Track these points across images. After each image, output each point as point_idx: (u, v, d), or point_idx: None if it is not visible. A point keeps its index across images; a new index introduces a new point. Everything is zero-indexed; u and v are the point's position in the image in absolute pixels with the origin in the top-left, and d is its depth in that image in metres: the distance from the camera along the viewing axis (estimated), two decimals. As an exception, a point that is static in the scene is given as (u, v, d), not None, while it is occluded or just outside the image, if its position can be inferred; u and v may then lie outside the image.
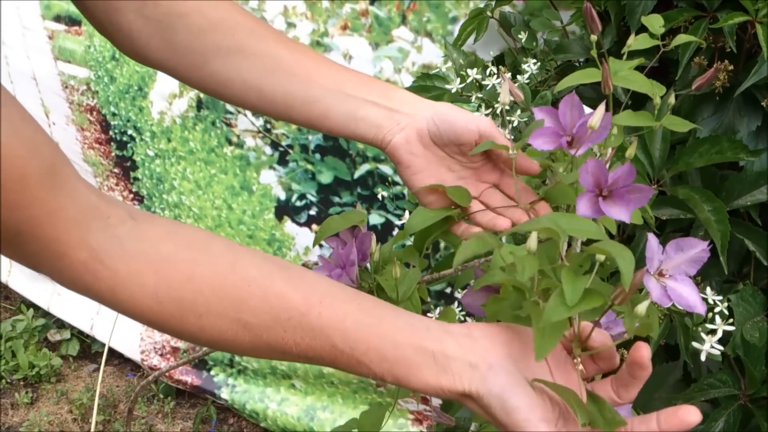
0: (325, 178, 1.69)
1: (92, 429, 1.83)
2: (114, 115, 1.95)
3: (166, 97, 1.84)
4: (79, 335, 2.25)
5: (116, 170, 2.01)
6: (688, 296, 0.59)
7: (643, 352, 0.53)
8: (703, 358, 0.89)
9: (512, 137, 1.04)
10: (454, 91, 1.12)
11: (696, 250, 0.60)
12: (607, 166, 0.61)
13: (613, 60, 0.67)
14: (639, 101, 0.98)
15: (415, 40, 1.49)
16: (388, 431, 1.78)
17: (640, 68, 0.67)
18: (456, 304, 1.18)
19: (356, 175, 1.66)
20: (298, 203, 1.76)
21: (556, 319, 0.50)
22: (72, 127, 2.05)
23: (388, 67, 1.53)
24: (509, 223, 0.68)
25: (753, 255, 0.98)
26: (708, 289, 0.92)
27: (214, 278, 0.55)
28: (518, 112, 1.03)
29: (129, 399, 2.09)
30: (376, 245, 0.72)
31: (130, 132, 1.94)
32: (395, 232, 1.66)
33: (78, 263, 0.53)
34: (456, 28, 1.38)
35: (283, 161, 1.74)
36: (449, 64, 1.21)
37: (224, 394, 1.98)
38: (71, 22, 1.92)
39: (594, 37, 0.67)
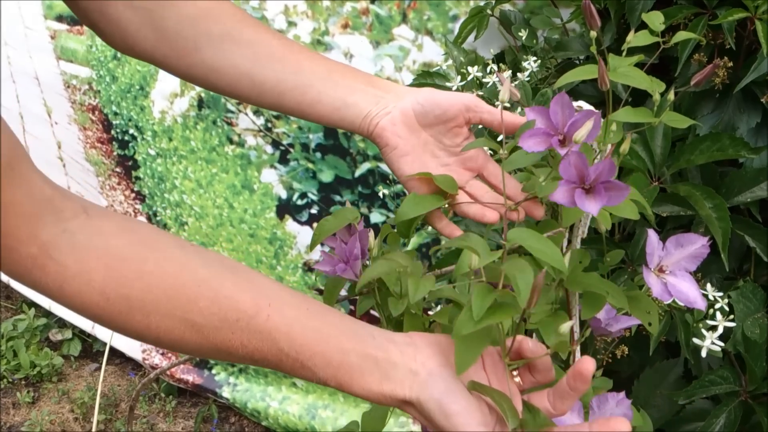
0: (326, 176, 1.70)
1: (94, 428, 1.83)
2: (116, 114, 1.95)
3: (168, 97, 1.84)
4: (80, 334, 2.25)
5: (118, 169, 2.01)
6: (688, 292, 0.60)
7: (588, 365, 0.54)
8: (703, 354, 0.89)
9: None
10: (455, 89, 1.13)
11: (696, 246, 0.61)
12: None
13: (612, 57, 0.67)
14: (639, 98, 0.98)
15: (416, 39, 1.49)
16: (390, 430, 1.78)
17: (640, 65, 0.67)
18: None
19: (357, 173, 1.66)
20: (299, 202, 1.76)
21: (464, 332, 0.52)
22: (74, 127, 2.05)
23: (388, 66, 1.53)
24: (497, 216, 0.68)
25: (753, 251, 0.98)
26: (708, 285, 0.92)
27: (164, 278, 0.55)
28: (519, 109, 1.03)
29: (130, 398, 2.10)
30: (375, 241, 0.72)
31: (131, 131, 1.94)
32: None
33: (28, 258, 0.53)
34: (456, 27, 1.38)
35: (284, 160, 1.74)
36: (450, 62, 1.21)
37: (226, 392, 1.98)
38: (73, 21, 1.93)
39: (593, 34, 0.67)
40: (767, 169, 0.96)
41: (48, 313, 2.26)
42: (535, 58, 1.12)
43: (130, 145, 1.95)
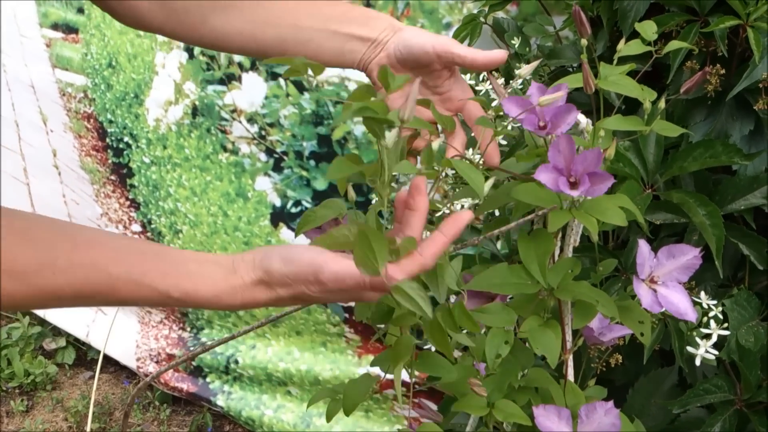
0: (320, 184, 1.69)
1: (88, 437, 1.82)
2: (111, 122, 1.95)
3: (162, 105, 1.84)
4: (74, 343, 2.24)
5: (113, 177, 2.01)
6: (679, 303, 0.59)
7: (420, 182, 0.58)
8: (698, 362, 0.88)
9: (506, 143, 1.04)
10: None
11: (688, 256, 0.60)
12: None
13: (604, 65, 0.67)
14: (632, 106, 0.98)
15: (410, 46, 1.49)
16: (381, 430, 1.78)
17: (633, 73, 0.67)
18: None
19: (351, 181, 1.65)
20: (293, 210, 1.75)
21: None
22: (69, 135, 2.05)
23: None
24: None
25: (747, 259, 0.98)
26: (702, 293, 0.92)
27: None
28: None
29: (124, 406, 2.09)
30: None
31: (126, 139, 1.94)
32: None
33: None
34: (450, 34, 1.38)
35: (278, 168, 1.74)
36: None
37: (220, 401, 1.98)
38: (68, 29, 1.92)
39: (584, 42, 0.67)
40: (761, 176, 0.96)
41: (42, 322, 2.25)
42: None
43: (125, 153, 1.95)
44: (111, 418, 2.06)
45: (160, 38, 1.79)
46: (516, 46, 1.19)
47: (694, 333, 0.90)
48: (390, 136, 0.56)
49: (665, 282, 0.59)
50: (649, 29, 0.69)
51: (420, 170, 0.61)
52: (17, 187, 2.14)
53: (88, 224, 2.08)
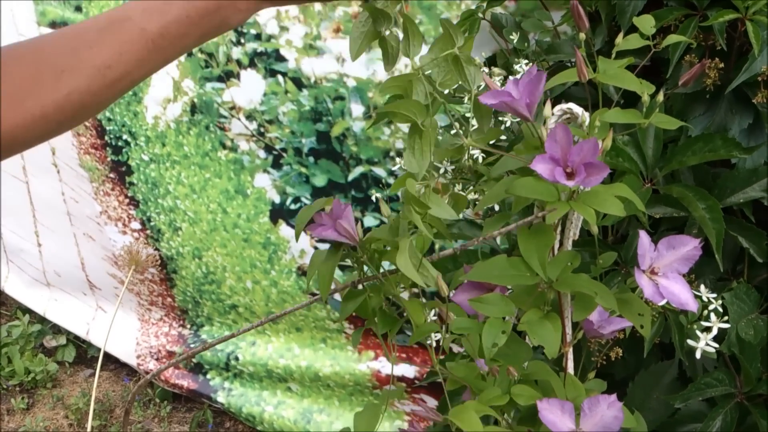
0: (319, 181, 1.69)
1: (89, 435, 1.82)
2: (109, 120, 1.95)
3: (161, 102, 1.84)
4: (74, 340, 2.24)
5: (112, 175, 2.00)
6: (680, 294, 0.59)
7: None
8: (698, 355, 0.88)
9: (505, 137, 1.04)
10: (446, 92, 1.12)
11: (688, 247, 0.60)
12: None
13: (602, 59, 0.67)
14: (631, 100, 0.98)
15: (408, 42, 1.49)
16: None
17: (632, 67, 0.67)
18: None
19: (350, 177, 1.66)
20: (292, 206, 1.76)
21: None
22: (68, 133, 2.04)
23: (381, 69, 1.53)
24: None
25: (747, 252, 0.98)
26: (702, 286, 0.92)
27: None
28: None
29: (125, 404, 2.09)
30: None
31: (125, 137, 1.93)
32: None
33: None
34: (449, 30, 1.38)
35: (277, 165, 1.74)
36: (442, 65, 1.20)
37: (220, 397, 1.98)
38: (65, 27, 1.92)
39: (582, 36, 0.67)
40: (760, 169, 0.96)
41: (42, 320, 2.25)
42: (526, 61, 1.12)
43: (124, 150, 1.95)
44: (112, 416, 2.06)
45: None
46: (514, 41, 1.19)
47: (695, 326, 0.90)
48: None
49: (665, 273, 0.59)
50: (647, 24, 0.69)
51: None
52: (16, 186, 2.14)
53: (88, 222, 2.08)
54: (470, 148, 0.71)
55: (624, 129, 0.66)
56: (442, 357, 0.70)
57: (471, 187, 0.97)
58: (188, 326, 2.06)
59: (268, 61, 1.66)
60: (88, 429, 1.72)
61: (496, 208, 1.05)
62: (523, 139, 0.70)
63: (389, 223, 0.68)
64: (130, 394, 1.97)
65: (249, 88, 1.71)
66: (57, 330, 2.25)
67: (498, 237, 1.12)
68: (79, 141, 2.03)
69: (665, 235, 0.62)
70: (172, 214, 1.93)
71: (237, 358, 1.95)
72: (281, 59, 1.64)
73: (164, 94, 1.82)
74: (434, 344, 0.75)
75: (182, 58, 1.77)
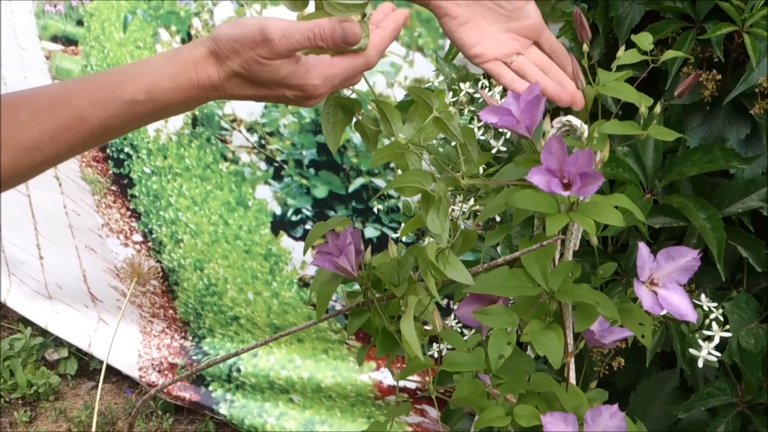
0: (320, 192, 1.70)
1: (91, 447, 1.82)
2: (110, 132, 1.95)
3: (162, 115, 1.85)
4: (77, 353, 2.24)
5: (113, 188, 2.01)
6: (680, 304, 0.60)
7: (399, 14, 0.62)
8: (700, 364, 0.89)
9: (505, 149, 1.05)
10: (448, 101, 1.13)
11: (687, 258, 0.61)
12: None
13: (601, 71, 0.68)
14: (630, 112, 0.99)
15: (407, 55, 1.50)
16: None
17: (631, 79, 0.68)
18: (452, 317, 1.18)
19: (351, 189, 1.66)
20: (293, 218, 1.76)
21: None
22: (68, 146, 2.05)
23: (380, 82, 1.54)
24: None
25: (746, 262, 0.99)
26: (702, 296, 0.93)
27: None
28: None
29: (127, 416, 2.09)
30: (368, 253, 0.72)
31: (126, 150, 1.94)
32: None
33: None
34: (447, 43, 1.39)
35: (278, 176, 1.74)
36: (441, 78, 1.21)
37: (222, 409, 1.98)
38: (68, 42, 1.93)
39: (585, 48, 0.68)
40: (758, 179, 0.97)
41: (44, 332, 2.26)
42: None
43: (126, 163, 1.95)
44: (114, 428, 2.06)
45: (160, 49, 1.80)
46: (514, 53, 1.20)
47: (696, 335, 0.91)
48: None
49: (665, 284, 0.60)
50: (645, 40, 0.70)
51: None
52: (18, 198, 2.15)
53: (90, 235, 2.08)
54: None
55: (624, 140, 0.67)
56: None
57: (472, 200, 0.98)
58: (190, 338, 2.06)
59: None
60: (91, 442, 1.72)
61: (497, 218, 1.06)
62: (522, 151, 0.71)
63: (393, 261, 0.69)
64: (134, 408, 1.97)
65: (250, 101, 1.72)
66: (59, 343, 2.26)
67: (499, 247, 1.13)
68: (81, 154, 2.04)
69: (665, 245, 0.63)
70: (173, 226, 1.94)
71: (239, 370, 1.95)
72: (282, 72, 1.65)
73: (166, 107, 1.83)
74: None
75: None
